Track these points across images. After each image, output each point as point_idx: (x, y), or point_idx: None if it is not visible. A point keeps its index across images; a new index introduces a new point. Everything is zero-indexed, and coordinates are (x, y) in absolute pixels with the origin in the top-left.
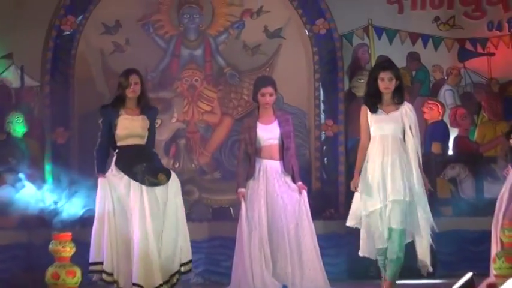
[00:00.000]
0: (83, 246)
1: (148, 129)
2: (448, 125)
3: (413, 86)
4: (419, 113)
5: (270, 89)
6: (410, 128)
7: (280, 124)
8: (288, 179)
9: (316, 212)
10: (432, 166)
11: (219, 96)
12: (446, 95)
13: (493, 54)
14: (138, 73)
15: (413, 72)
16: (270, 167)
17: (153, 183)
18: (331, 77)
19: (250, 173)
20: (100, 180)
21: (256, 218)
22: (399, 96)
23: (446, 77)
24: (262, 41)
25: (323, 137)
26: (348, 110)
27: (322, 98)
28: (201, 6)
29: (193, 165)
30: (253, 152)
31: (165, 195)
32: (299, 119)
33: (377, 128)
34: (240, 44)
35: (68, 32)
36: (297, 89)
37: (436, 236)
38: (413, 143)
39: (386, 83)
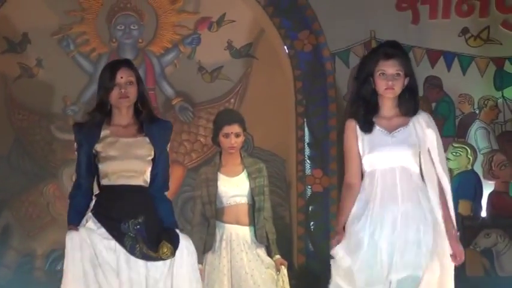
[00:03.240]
0: None
1: (153, 160)
2: (481, 177)
3: None
4: None
5: (236, 128)
6: (430, 153)
7: (250, 176)
8: (261, 251)
9: None
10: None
11: None
12: (478, 135)
13: None
14: (131, 66)
15: (433, 104)
16: (236, 235)
17: (148, 256)
18: (320, 110)
19: (208, 243)
20: (69, 235)
21: None
22: (409, 102)
23: (478, 111)
24: (225, 62)
25: (309, 194)
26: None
27: (307, 139)
28: (141, 14)
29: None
30: (212, 214)
31: (166, 274)
32: (276, 169)
33: (375, 157)
34: (194, 66)
35: None
36: (273, 127)
37: None
38: (435, 178)
39: (389, 81)
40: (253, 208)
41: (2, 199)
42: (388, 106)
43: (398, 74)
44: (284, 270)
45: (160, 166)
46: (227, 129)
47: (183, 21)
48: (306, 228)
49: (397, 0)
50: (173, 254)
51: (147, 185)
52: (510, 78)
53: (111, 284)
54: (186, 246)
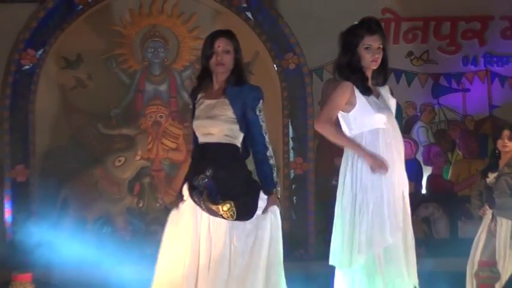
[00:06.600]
0: (44, 287)
1: (243, 124)
2: (421, 164)
3: None
4: None
5: None
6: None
7: None
8: None
9: (285, 253)
10: None
11: (184, 133)
12: (420, 132)
13: (467, 90)
14: (231, 36)
15: None
16: None
17: (210, 210)
18: (301, 113)
19: None
20: (171, 213)
21: None
22: (381, 74)
23: (419, 114)
24: None
25: (292, 176)
26: (318, 147)
27: (291, 135)
28: (166, 40)
29: (157, 205)
30: None
31: (242, 233)
32: None
33: (381, 117)
34: None
35: (27, 67)
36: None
37: None
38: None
39: (375, 54)
40: None
41: (62, 179)
42: (369, 76)
43: (380, 48)
44: None
45: (251, 130)
46: None
47: (198, 45)
48: (290, 202)
49: None
50: (233, 216)
51: (228, 142)
52: (444, 89)
53: (188, 256)
54: (272, 211)
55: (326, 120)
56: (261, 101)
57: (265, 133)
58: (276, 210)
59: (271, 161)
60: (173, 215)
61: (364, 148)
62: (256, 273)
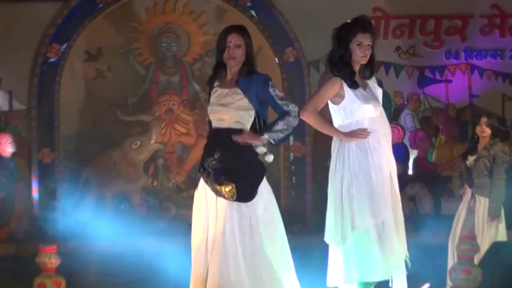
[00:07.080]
0: (67, 257)
1: (260, 106)
2: (408, 147)
3: None
4: None
5: None
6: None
7: None
8: None
9: (285, 228)
10: None
11: (194, 119)
12: (407, 119)
13: (450, 81)
14: (242, 32)
15: None
16: None
17: (215, 190)
18: (300, 101)
19: None
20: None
21: None
22: (368, 68)
23: (406, 102)
24: None
25: (291, 158)
26: (315, 132)
27: None
28: (178, 36)
29: (170, 184)
30: None
31: (228, 214)
32: None
33: (370, 108)
34: None
35: (53, 59)
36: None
37: None
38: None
39: (366, 50)
40: None
41: (84, 160)
42: (357, 70)
43: (370, 45)
44: None
45: (274, 109)
46: None
47: (206, 40)
48: (289, 181)
49: None
50: (233, 197)
51: (238, 128)
52: (428, 80)
53: (202, 231)
54: (266, 196)
55: (310, 110)
56: (269, 82)
57: (287, 105)
58: (266, 189)
59: (286, 121)
60: (196, 192)
61: (342, 132)
62: (258, 252)
